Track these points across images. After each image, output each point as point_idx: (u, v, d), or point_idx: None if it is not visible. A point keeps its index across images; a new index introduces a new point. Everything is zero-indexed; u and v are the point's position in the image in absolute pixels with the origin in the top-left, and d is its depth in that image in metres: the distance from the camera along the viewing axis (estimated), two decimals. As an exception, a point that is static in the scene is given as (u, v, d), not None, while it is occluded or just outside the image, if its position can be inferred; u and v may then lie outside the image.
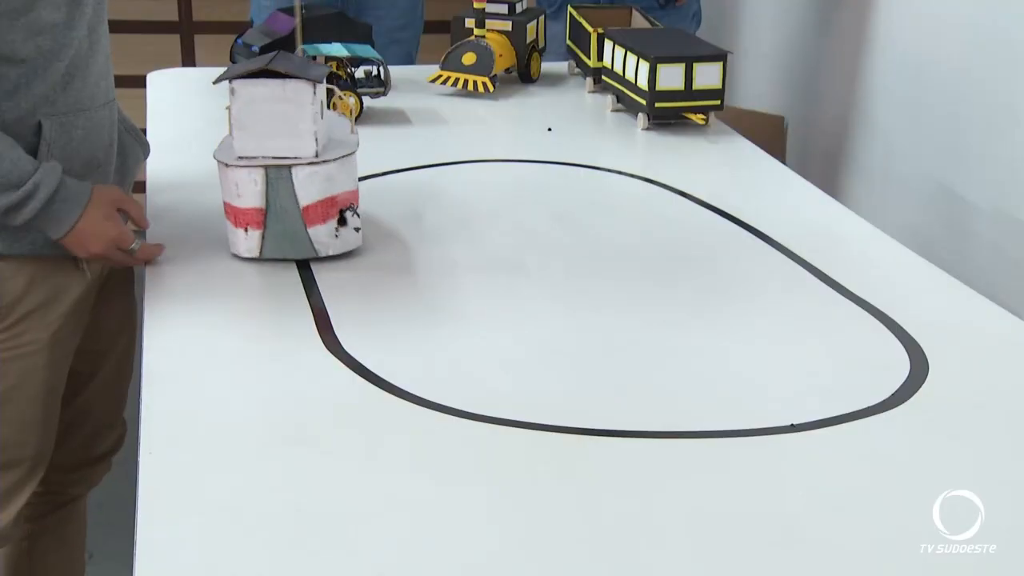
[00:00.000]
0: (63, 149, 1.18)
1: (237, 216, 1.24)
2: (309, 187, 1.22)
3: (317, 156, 1.23)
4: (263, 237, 1.24)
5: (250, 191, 1.22)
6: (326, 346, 1.08)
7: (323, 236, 1.25)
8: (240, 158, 1.23)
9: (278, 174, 1.22)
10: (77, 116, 1.19)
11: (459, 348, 1.11)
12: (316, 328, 1.11)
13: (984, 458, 0.92)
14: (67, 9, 1.16)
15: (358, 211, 1.26)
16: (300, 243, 1.24)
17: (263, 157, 1.22)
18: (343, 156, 1.24)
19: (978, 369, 1.07)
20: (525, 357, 1.09)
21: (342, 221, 1.25)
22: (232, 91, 1.23)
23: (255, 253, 1.25)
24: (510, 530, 0.83)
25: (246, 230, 1.24)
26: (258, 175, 1.21)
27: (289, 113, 1.22)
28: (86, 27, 1.19)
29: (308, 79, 1.22)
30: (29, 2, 1.12)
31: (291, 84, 1.22)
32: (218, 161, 1.24)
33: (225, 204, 1.25)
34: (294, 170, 1.21)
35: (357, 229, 1.27)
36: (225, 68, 1.30)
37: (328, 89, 1.30)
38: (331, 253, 1.26)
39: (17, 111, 1.15)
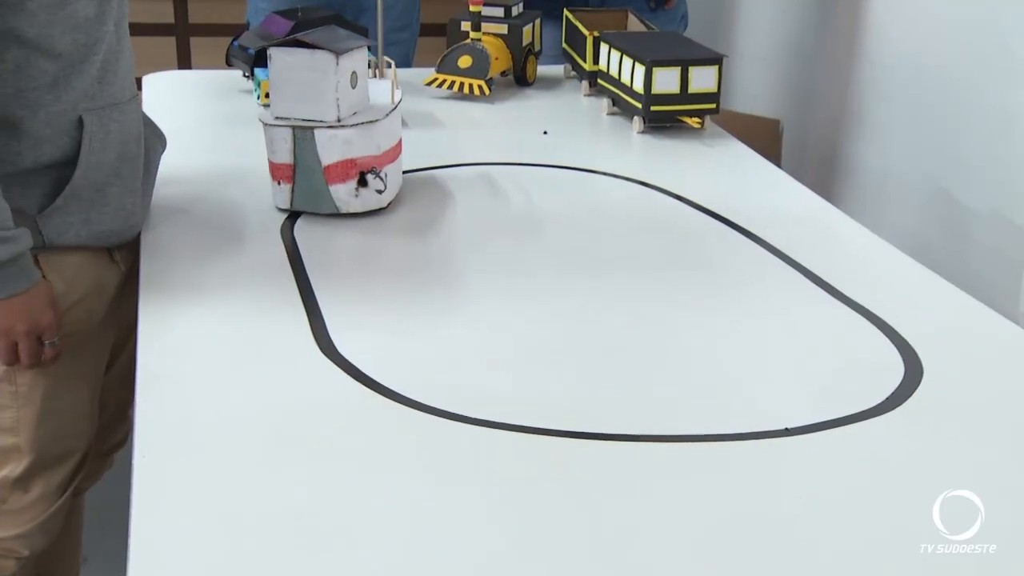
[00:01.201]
0: (102, 142, 1.22)
1: (273, 170, 1.39)
2: (330, 148, 1.35)
3: (339, 121, 1.35)
4: (292, 191, 1.38)
5: (282, 149, 1.37)
6: (321, 349, 1.08)
7: (343, 194, 1.37)
8: (276, 118, 1.37)
9: (303, 135, 1.35)
10: (112, 110, 1.24)
11: (455, 351, 1.10)
12: (311, 331, 1.11)
13: (980, 461, 0.92)
14: (98, 4, 1.20)
15: (382, 174, 1.38)
16: (324, 199, 1.37)
17: (293, 119, 1.36)
18: (364, 123, 1.36)
19: (972, 373, 1.08)
20: (522, 360, 1.09)
21: (362, 182, 1.37)
22: (270, 58, 1.36)
23: (287, 204, 1.39)
24: (508, 533, 0.83)
25: (279, 184, 1.39)
26: (287, 135, 1.36)
27: (315, 80, 1.34)
28: (113, 22, 1.23)
29: (332, 51, 1.33)
30: None
31: (318, 54, 1.34)
32: (261, 120, 1.38)
33: (268, 160, 1.40)
34: (316, 132, 1.35)
35: (380, 191, 1.38)
36: (220, 70, 1.34)
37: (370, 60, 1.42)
38: (352, 210, 1.38)
39: (58, 105, 1.19)
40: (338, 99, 1.34)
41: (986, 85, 1.93)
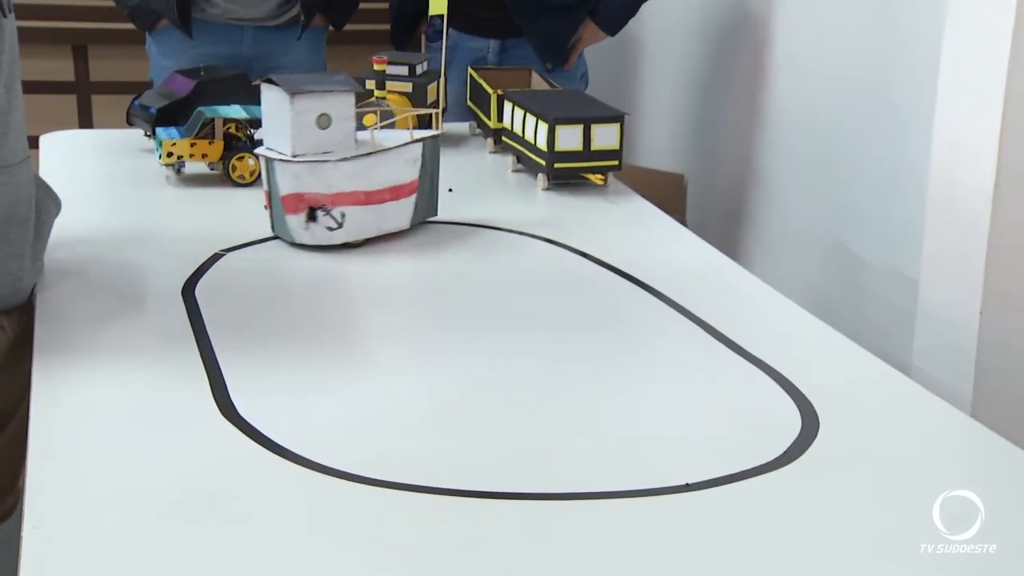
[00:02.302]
0: None
1: (265, 195, 1.52)
2: (283, 180, 1.47)
3: (293, 156, 1.46)
4: (271, 216, 1.51)
5: (263, 176, 1.51)
6: (221, 412, 1.06)
7: (295, 225, 1.48)
8: (264, 147, 1.51)
9: (269, 164, 1.48)
10: (1, 173, 1.20)
11: (360, 412, 1.10)
12: (212, 395, 1.10)
13: (875, 511, 0.94)
14: None
15: (336, 214, 1.47)
16: (284, 227, 1.49)
17: (268, 149, 1.50)
18: (312, 161, 1.46)
19: (867, 425, 1.10)
20: (427, 420, 1.09)
21: (312, 217, 1.47)
22: (261, 93, 1.52)
23: (270, 230, 1.52)
24: (407, 598, 0.82)
25: (266, 209, 1.52)
26: (263, 163, 1.50)
27: (279, 115, 1.48)
28: (3, 83, 1.20)
29: (287, 91, 1.46)
30: None
31: (279, 92, 1.48)
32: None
33: None
34: (275, 163, 1.47)
35: (331, 228, 1.47)
36: (122, 129, 1.35)
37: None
38: (302, 242, 1.49)
39: None
40: (292, 135, 1.45)
41: (876, 141, 1.99)
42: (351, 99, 1.50)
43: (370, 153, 1.50)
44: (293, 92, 1.46)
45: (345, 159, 1.48)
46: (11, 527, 1.39)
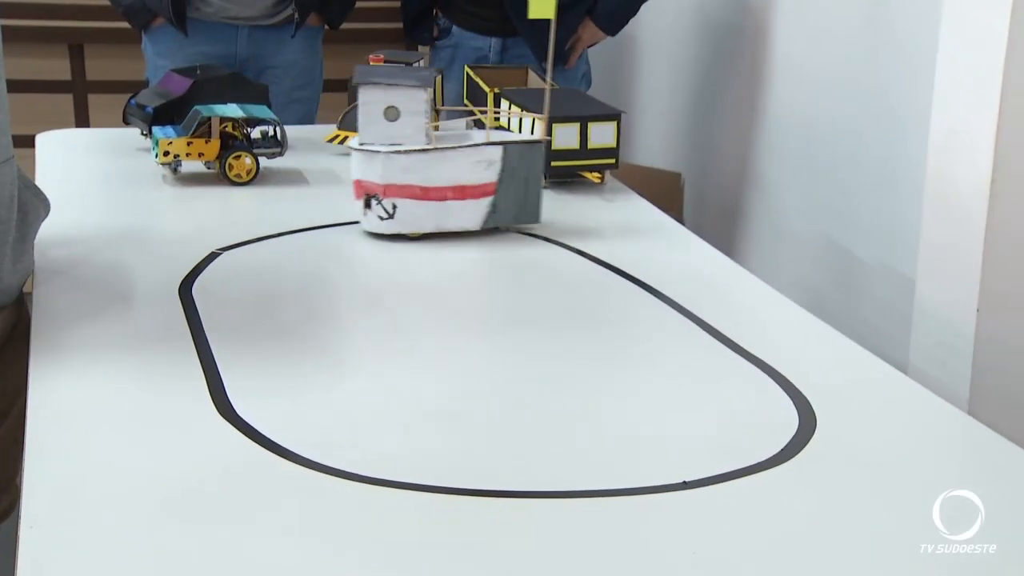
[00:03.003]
0: None
1: None
2: (352, 166, 1.54)
3: (360, 145, 1.53)
4: None
5: None
6: (218, 411, 1.06)
7: (358, 210, 1.54)
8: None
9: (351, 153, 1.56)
10: None
11: (357, 411, 1.10)
12: (209, 393, 1.10)
13: (873, 509, 0.94)
14: None
15: (387, 204, 1.51)
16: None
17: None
18: (367, 151, 1.51)
19: (864, 423, 1.10)
20: (421, 418, 1.09)
21: (368, 204, 1.52)
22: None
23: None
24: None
25: None
26: None
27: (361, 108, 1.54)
28: None
29: (366, 83, 1.52)
30: None
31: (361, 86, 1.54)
32: None
33: None
34: (352, 151, 1.55)
35: (381, 218, 1.51)
36: (118, 128, 1.32)
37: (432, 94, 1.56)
38: (363, 228, 1.55)
39: None
40: (361, 124, 1.52)
41: (875, 144, 1.99)
42: (421, 94, 1.51)
43: (427, 149, 1.50)
44: (362, 82, 1.51)
45: (400, 152, 1.50)
46: (9, 526, 1.39)
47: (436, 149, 1.51)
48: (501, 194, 1.54)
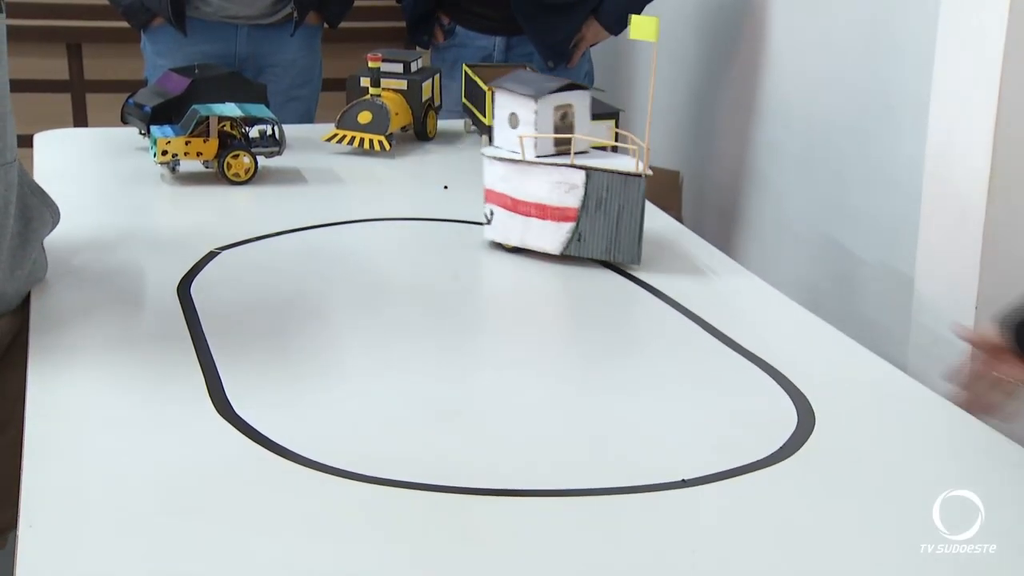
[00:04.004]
0: None
1: None
2: None
3: (489, 145, 1.53)
4: None
5: None
6: (217, 410, 1.06)
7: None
8: None
9: None
10: None
11: (353, 408, 1.10)
12: (207, 391, 1.10)
13: (869, 506, 0.94)
14: None
15: (487, 209, 1.50)
16: None
17: None
18: (484, 155, 1.50)
19: (863, 420, 1.10)
20: (421, 416, 1.08)
21: (488, 212, 1.50)
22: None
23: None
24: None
25: None
26: None
27: None
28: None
29: (497, 87, 1.50)
30: None
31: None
32: None
33: None
34: None
35: (486, 220, 1.51)
36: (116, 128, 1.31)
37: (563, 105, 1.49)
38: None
39: None
40: (494, 127, 1.53)
41: (873, 143, 1.99)
42: (531, 104, 1.44)
43: (517, 161, 1.46)
44: (494, 86, 1.50)
45: (497, 159, 1.47)
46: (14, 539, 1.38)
47: (524, 162, 1.45)
48: (585, 223, 1.43)
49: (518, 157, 1.45)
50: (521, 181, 1.46)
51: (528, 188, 1.46)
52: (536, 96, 1.44)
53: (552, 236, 1.46)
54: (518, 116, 1.46)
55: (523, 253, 1.50)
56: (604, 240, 1.44)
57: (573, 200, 1.43)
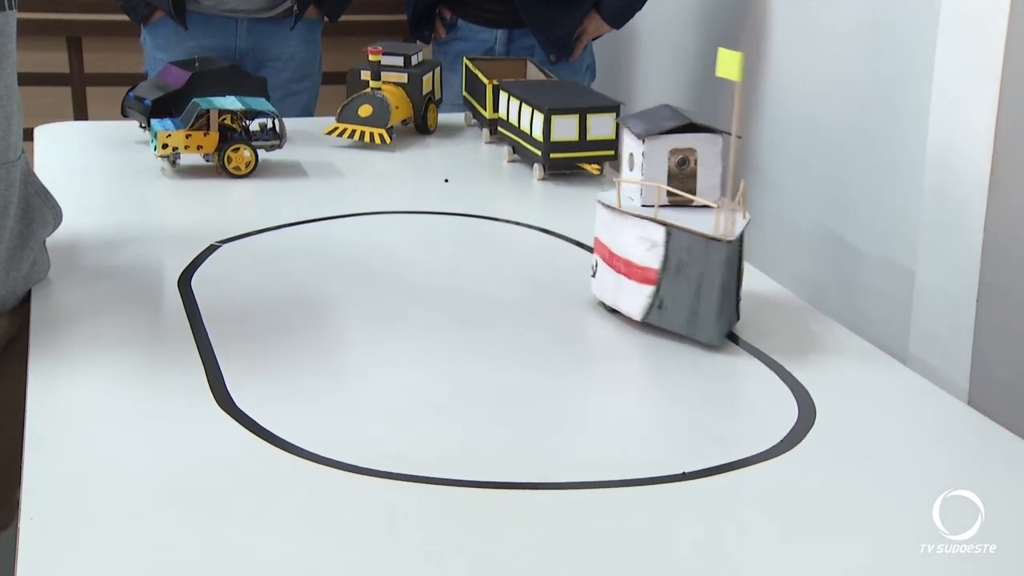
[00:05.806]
0: None
1: None
2: None
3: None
4: None
5: None
6: (218, 403, 1.06)
7: None
8: None
9: None
10: None
11: (355, 401, 1.10)
12: (209, 386, 1.10)
13: (873, 500, 0.94)
14: None
15: (592, 260, 1.30)
16: None
17: None
18: (599, 201, 1.27)
19: (864, 414, 1.10)
20: (421, 409, 1.08)
21: (594, 263, 1.30)
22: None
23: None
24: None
25: None
26: None
27: None
28: (5, 85, 1.16)
29: (625, 126, 1.30)
30: None
31: None
32: None
33: None
34: None
35: (592, 272, 1.30)
36: (116, 121, 1.31)
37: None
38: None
39: None
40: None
41: (873, 139, 1.99)
42: (639, 145, 1.25)
43: (613, 208, 1.24)
44: (622, 122, 1.31)
45: (604, 204, 1.25)
46: (10, 537, 1.38)
47: (617, 211, 1.24)
48: (666, 288, 1.20)
49: (614, 204, 1.25)
50: (615, 232, 1.24)
51: (620, 240, 1.24)
52: (644, 136, 1.24)
53: (634, 298, 1.23)
54: (633, 156, 1.26)
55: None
56: (685, 310, 1.20)
57: (655, 260, 1.20)
